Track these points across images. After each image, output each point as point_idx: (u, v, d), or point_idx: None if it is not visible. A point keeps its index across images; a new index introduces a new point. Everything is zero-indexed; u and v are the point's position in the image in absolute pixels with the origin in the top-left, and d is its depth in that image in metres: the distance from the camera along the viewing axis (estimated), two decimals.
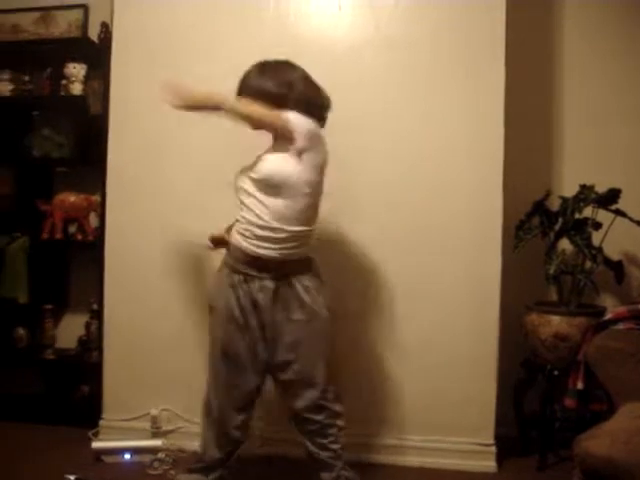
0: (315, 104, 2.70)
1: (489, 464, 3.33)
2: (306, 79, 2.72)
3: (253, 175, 2.63)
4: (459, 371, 3.38)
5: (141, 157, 3.59)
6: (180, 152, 3.56)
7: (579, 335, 3.25)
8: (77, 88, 3.94)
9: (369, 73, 3.43)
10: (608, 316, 3.05)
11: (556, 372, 3.33)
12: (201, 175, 3.52)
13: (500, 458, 3.36)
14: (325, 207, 2.81)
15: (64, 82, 3.96)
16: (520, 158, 3.57)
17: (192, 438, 3.45)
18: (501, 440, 3.39)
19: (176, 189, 3.56)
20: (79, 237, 3.94)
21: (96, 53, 3.80)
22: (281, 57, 2.75)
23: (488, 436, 3.35)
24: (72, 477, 1.45)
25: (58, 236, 3.92)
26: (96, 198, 3.84)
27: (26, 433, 3.65)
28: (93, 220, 3.92)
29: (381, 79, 3.43)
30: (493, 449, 3.35)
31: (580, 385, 3.10)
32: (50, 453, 3.39)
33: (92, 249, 3.76)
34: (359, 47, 3.44)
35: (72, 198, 3.91)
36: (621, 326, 2.91)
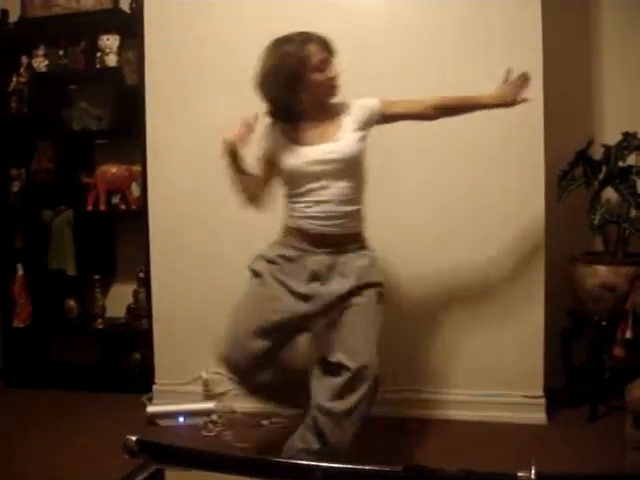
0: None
1: (539, 416, 3.34)
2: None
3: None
4: (506, 323, 3.38)
5: (179, 124, 3.61)
6: (219, 119, 3.55)
7: (626, 285, 3.22)
8: (112, 60, 3.96)
9: (402, 33, 3.40)
10: None
11: (604, 322, 3.31)
12: None
13: (550, 410, 3.36)
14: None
15: (99, 54, 3.98)
16: (561, 108, 3.51)
17: (243, 400, 3.51)
18: (550, 392, 3.40)
19: (216, 155, 3.56)
20: (123, 207, 3.99)
21: (129, 23, 3.81)
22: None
23: (537, 388, 3.35)
24: (134, 438, 1.48)
25: (102, 207, 3.98)
26: (137, 168, 3.88)
27: (82, 401, 3.75)
28: (135, 190, 3.97)
29: (412, 37, 3.40)
30: (543, 401, 3.35)
31: (629, 334, 3.09)
32: (106, 419, 3.49)
33: (136, 218, 3.81)
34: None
35: (113, 169, 3.96)
36: None
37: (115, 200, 4.03)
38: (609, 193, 3.48)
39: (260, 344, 2.62)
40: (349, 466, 1.35)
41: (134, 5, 3.81)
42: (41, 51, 4.06)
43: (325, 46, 2.59)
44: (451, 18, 3.35)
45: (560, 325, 3.55)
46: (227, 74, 3.51)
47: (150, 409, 3.51)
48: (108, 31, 3.95)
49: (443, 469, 1.32)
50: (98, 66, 4.00)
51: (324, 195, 2.58)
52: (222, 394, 3.63)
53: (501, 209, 3.36)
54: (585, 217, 3.43)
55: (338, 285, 2.59)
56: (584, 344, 3.46)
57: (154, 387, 3.73)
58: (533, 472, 1.25)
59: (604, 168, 3.43)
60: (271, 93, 2.60)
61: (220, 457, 1.51)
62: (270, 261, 2.70)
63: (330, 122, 2.65)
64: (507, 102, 2.72)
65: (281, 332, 2.66)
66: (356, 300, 2.59)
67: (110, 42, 3.96)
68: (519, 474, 1.25)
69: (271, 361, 2.69)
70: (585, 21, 3.77)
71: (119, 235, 4.23)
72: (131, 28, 3.76)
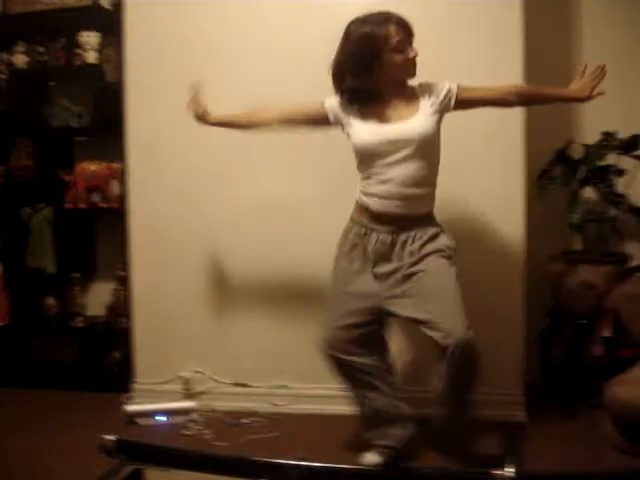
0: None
1: (519, 414, 3.35)
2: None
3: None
4: (486, 322, 3.37)
5: (160, 122, 3.59)
6: None
7: (605, 283, 3.24)
8: (92, 56, 3.92)
9: None
10: (634, 263, 3.04)
11: (583, 321, 3.33)
12: (222, 138, 3.51)
13: (529, 408, 3.38)
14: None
15: (79, 51, 3.94)
16: (541, 107, 3.52)
17: (223, 398, 3.53)
18: (530, 390, 3.41)
19: (196, 152, 3.57)
20: (102, 205, 3.95)
21: (109, 20, 3.77)
22: None
23: (517, 386, 3.36)
24: (112, 437, 1.48)
25: (82, 205, 3.94)
26: (117, 165, 3.85)
27: (62, 400, 3.73)
28: (115, 187, 3.93)
29: None
30: (522, 399, 3.37)
31: (607, 332, 3.10)
32: (85, 418, 3.46)
33: (116, 216, 3.77)
34: None
35: (93, 167, 3.93)
36: None
37: (95, 198, 3.98)
38: (588, 192, 3.50)
39: (353, 332, 2.70)
40: (326, 465, 1.36)
41: (115, 2, 3.78)
42: (21, 47, 4.01)
43: (403, 27, 2.63)
44: (432, 16, 3.36)
45: (540, 324, 3.57)
46: (208, 72, 3.48)
47: (130, 408, 3.49)
48: (88, 28, 3.91)
49: (420, 467, 1.33)
50: (78, 63, 3.96)
51: (392, 175, 2.62)
52: (202, 393, 3.62)
53: (481, 208, 3.37)
54: (564, 216, 3.46)
55: (399, 263, 2.65)
56: (563, 343, 3.48)
57: (134, 386, 3.71)
58: (512, 470, 1.26)
59: (583, 167, 3.46)
60: (350, 75, 2.62)
61: (198, 456, 1.51)
62: (345, 257, 2.75)
63: (407, 103, 2.69)
64: (584, 96, 2.69)
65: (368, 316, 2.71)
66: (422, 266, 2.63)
67: (90, 39, 3.92)
68: (495, 472, 1.26)
69: (368, 348, 2.74)
70: (566, 21, 3.79)
71: (99, 233, 4.19)
72: (112, 25, 3.73)
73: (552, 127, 3.70)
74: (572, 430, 3.21)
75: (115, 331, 3.93)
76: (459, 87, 2.69)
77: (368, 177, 2.68)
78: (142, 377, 3.70)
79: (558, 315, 3.53)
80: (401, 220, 2.66)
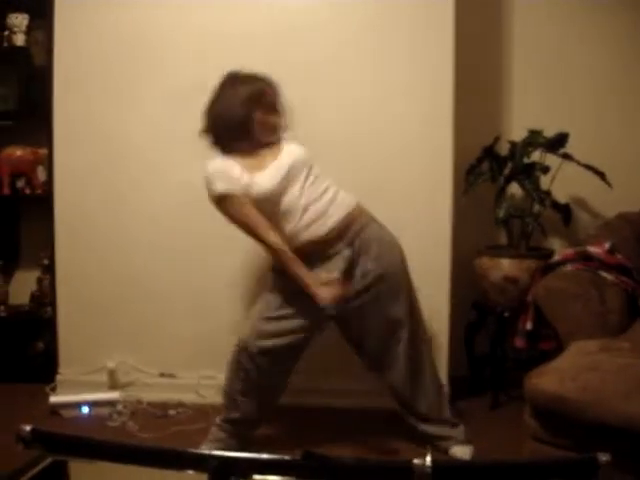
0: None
1: None
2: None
3: None
4: None
5: (88, 108, 3.53)
6: (128, 102, 3.51)
7: (528, 277, 3.32)
8: (20, 39, 3.81)
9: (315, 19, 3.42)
10: (556, 258, 3.11)
11: (506, 314, 3.41)
12: (151, 125, 3.48)
13: (453, 398, 3.43)
14: None
15: (6, 33, 3.83)
16: (470, 103, 3.59)
17: (149, 390, 3.49)
18: (454, 381, 3.48)
19: (125, 139, 3.52)
20: (27, 191, 3.86)
21: (38, 2, 3.67)
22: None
23: (441, 377, 3.40)
24: (28, 427, 1.44)
25: (6, 191, 3.84)
26: (43, 151, 3.76)
27: None
28: (41, 174, 3.84)
29: (328, 27, 3.41)
30: (446, 389, 3.42)
31: (529, 325, 3.17)
32: (6, 409, 3.37)
33: (41, 203, 3.69)
34: None
35: (19, 152, 3.82)
36: (569, 267, 2.97)
37: (20, 184, 3.88)
38: (514, 188, 3.58)
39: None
40: (245, 455, 1.36)
41: None
42: None
43: (275, 89, 2.80)
44: (363, 16, 3.38)
45: (464, 316, 3.64)
46: (139, 59, 3.46)
47: (53, 399, 3.42)
48: (17, 9, 3.80)
49: (339, 458, 1.33)
50: (5, 45, 3.85)
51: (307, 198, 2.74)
52: (128, 384, 3.58)
53: (409, 202, 3.41)
54: (491, 211, 3.52)
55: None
56: (487, 335, 3.56)
57: (58, 377, 3.64)
58: (428, 460, 1.27)
59: (509, 164, 3.53)
60: (223, 130, 2.78)
61: (117, 447, 1.49)
62: None
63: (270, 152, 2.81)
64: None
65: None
66: None
67: (19, 21, 3.81)
68: (414, 462, 1.27)
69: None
70: (496, 18, 3.85)
71: (23, 220, 4.08)
72: (41, 7, 3.63)
73: (481, 123, 3.77)
74: (494, 420, 3.30)
75: (39, 320, 3.85)
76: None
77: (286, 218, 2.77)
78: (66, 367, 3.64)
79: (483, 308, 3.60)
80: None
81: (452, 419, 3.00)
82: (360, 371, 3.10)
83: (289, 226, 2.74)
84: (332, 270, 2.72)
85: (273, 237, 2.69)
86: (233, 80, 2.80)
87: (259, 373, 2.76)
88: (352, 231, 2.79)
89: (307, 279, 2.67)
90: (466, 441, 2.94)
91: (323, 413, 3.34)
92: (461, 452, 2.90)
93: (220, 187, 2.70)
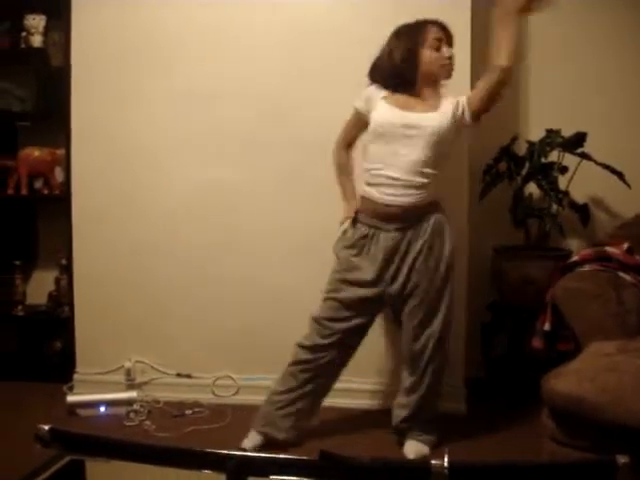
0: None
1: (459, 406, 3.39)
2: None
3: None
4: None
5: (106, 108, 3.54)
6: (146, 102, 3.52)
7: (546, 278, 3.30)
8: (37, 40, 3.84)
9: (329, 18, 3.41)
10: (574, 258, 3.08)
11: (524, 314, 3.39)
12: (166, 125, 3.49)
13: (470, 400, 3.42)
14: None
15: (24, 34, 3.86)
16: None
17: (165, 389, 3.50)
18: (470, 382, 3.46)
19: (141, 139, 3.53)
20: (45, 192, 3.89)
21: (55, 3, 3.69)
22: None
23: (458, 378, 3.40)
24: (46, 427, 1.45)
25: (24, 192, 3.86)
26: (61, 152, 3.78)
27: (1, 390, 3.64)
28: (59, 174, 3.87)
29: (341, 26, 3.40)
30: (463, 391, 3.41)
31: (547, 326, 3.15)
32: (24, 408, 3.40)
33: (59, 204, 3.71)
34: None
35: (36, 153, 3.85)
36: (587, 268, 2.95)
37: (38, 184, 3.92)
38: (532, 188, 3.56)
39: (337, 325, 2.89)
40: (262, 455, 1.36)
41: None
42: None
43: (442, 28, 2.85)
44: (380, 14, 3.36)
45: (481, 317, 3.62)
46: (155, 58, 3.47)
47: (71, 399, 3.44)
48: (34, 10, 3.83)
49: (356, 458, 1.33)
50: (23, 46, 3.87)
51: (398, 161, 2.76)
52: (145, 383, 3.59)
53: None
54: (508, 211, 3.51)
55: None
56: (504, 336, 3.53)
57: (75, 376, 3.66)
58: (446, 461, 1.26)
59: (527, 164, 3.51)
60: (388, 64, 2.85)
61: (134, 446, 1.49)
62: (347, 247, 2.90)
63: (432, 101, 2.85)
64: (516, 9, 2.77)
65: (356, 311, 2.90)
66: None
67: (36, 22, 3.84)
68: (432, 462, 1.26)
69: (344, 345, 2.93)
70: None
71: (41, 221, 4.11)
72: (58, 8, 3.65)
73: (498, 123, 3.73)
74: (511, 422, 3.27)
75: (56, 320, 3.87)
76: (467, 97, 2.85)
77: (374, 166, 2.81)
78: (84, 367, 3.65)
79: (500, 309, 3.58)
80: (405, 214, 2.79)
81: (431, 425, 3.00)
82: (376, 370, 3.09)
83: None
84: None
85: None
86: (396, 32, 2.88)
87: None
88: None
89: None
90: (428, 442, 2.95)
91: (337, 412, 3.34)
92: (415, 448, 2.91)
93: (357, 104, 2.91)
